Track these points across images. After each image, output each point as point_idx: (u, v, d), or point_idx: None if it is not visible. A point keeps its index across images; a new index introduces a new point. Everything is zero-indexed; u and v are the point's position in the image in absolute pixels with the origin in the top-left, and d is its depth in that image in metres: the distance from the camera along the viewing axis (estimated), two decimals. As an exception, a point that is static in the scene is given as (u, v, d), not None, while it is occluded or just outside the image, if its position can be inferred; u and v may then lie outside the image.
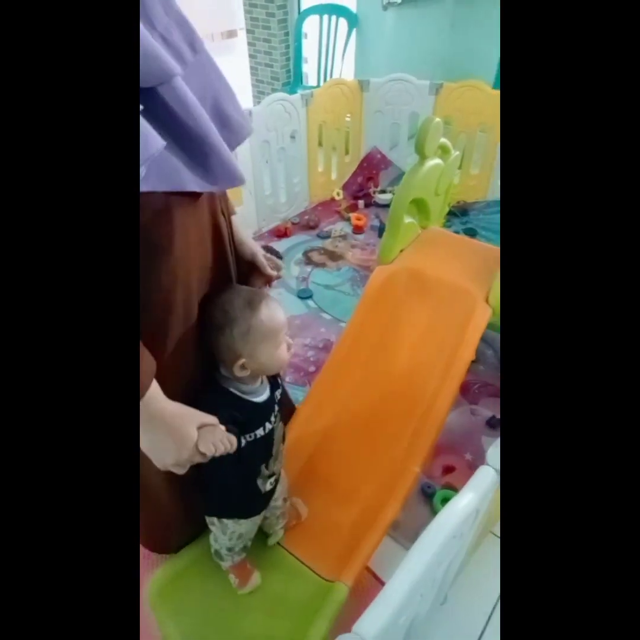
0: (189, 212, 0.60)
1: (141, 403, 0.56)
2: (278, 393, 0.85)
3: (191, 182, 0.55)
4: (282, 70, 3.32)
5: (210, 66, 0.60)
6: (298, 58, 3.20)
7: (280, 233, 2.34)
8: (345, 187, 2.68)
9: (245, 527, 0.94)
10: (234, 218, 0.80)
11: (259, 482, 0.87)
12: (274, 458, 0.88)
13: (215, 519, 0.91)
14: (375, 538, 1.01)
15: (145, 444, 0.61)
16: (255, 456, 0.83)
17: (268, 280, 0.88)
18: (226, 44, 5.03)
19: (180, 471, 0.66)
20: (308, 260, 2.18)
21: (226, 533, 0.92)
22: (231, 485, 0.85)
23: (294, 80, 3.28)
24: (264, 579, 1.02)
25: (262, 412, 0.81)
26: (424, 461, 1.13)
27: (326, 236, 2.34)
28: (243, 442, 0.77)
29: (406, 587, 0.56)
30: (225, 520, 0.91)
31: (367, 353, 1.28)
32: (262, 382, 0.81)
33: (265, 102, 2.11)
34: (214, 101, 0.60)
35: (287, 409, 1.16)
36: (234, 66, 3.52)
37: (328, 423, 1.24)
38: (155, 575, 1.02)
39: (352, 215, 2.44)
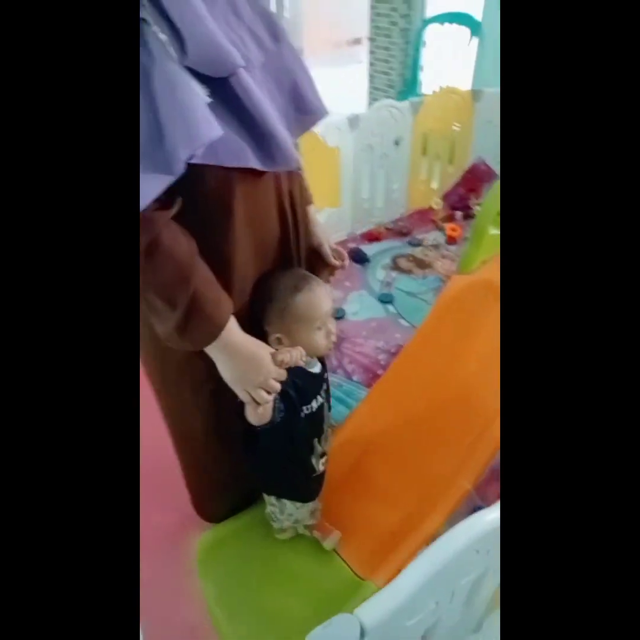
0: (251, 188, 0.66)
1: (220, 335, 0.65)
2: (326, 374, 0.90)
3: (252, 160, 0.61)
4: (399, 78, 3.34)
5: (290, 54, 0.68)
6: (415, 66, 3.21)
7: (372, 237, 2.36)
8: (445, 197, 2.63)
9: (302, 512, 0.98)
10: (310, 208, 0.85)
11: (313, 460, 0.90)
12: (325, 436, 0.92)
13: (274, 499, 0.96)
14: (414, 545, 1.00)
15: (227, 374, 0.70)
16: (310, 430, 0.87)
17: (332, 270, 0.91)
18: (350, 51, 5.16)
19: (264, 398, 0.71)
20: (395, 266, 2.17)
21: (284, 513, 0.97)
22: (288, 461, 0.89)
23: (408, 88, 3.29)
24: (298, 563, 1.06)
25: (316, 382, 0.86)
26: (477, 480, 1.08)
27: (417, 244, 2.32)
28: (302, 414, 0.82)
29: (414, 583, 0.55)
30: (284, 501, 0.96)
31: (433, 361, 1.26)
32: (313, 356, 0.85)
33: (374, 108, 2.15)
34: (292, 85, 0.67)
35: None
36: (355, 73, 3.62)
37: (382, 426, 1.24)
38: (202, 536, 1.10)
39: (448, 225, 2.39)
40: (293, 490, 0.95)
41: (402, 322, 1.85)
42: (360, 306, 1.94)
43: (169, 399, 0.88)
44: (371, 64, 3.48)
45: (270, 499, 0.98)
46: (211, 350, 0.68)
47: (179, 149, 0.52)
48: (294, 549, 1.08)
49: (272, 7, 3.34)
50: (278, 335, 0.78)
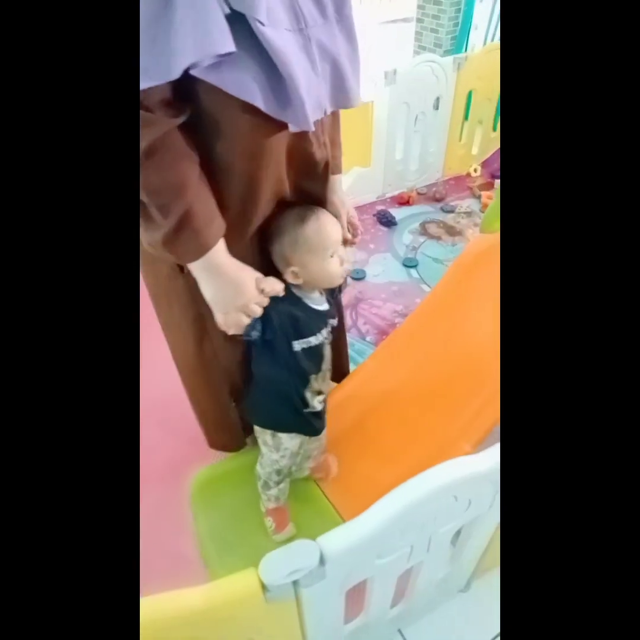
0: (261, 129, 0.63)
1: (205, 256, 0.65)
2: (334, 311, 0.90)
3: (258, 98, 0.57)
4: (447, 36, 3.16)
5: (346, 33, 0.66)
6: (466, 23, 3.02)
7: (403, 200, 2.29)
8: (484, 164, 2.50)
9: (297, 443, 0.96)
10: (336, 178, 0.85)
11: (308, 395, 0.90)
12: (322, 374, 0.92)
13: (268, 436, 0.95)
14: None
15: (208, 294, 0.71)
16: (306, 365, 0.87)
17: (345, 242, 0.89)
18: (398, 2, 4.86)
19: (243, 320, 0.73)
20: (423, 231, 2.10)
21: (280, 449, 0.95)
22: (283, 392, 0.89)
23: (456, 48, 3.11)
24: (295, 512, 1.06)
25: (317, 318, 0.85)
26: (478, 444, 1.05)
27: (450, 210, 2.23)
28: (297, 347, 0.83)
29: (380, 517, 0.54)
30: (279, 435, 0.94)
31: (445, 322, 1.21)
32: (321, 294, 0.87)
33: (413, 62, 2.04)
34: (335, 63, 0.65)
35: (340, 364, 1.16)
36: (403, 29, 3.45)
37: (389, 385, 1.22)
38: (199, 471, 1.13)
39: (484, 193, 2.28)
40: (287, 422, 0.94)
41: (425, 287, 1.79)
42: (383, 269, 1.89)
43: (162, 315, 0.89)
44: (419, 20, 3.29)
45: (265, 437, 0.97)
46: (195, 269, 0.68)
47: (184, 50, 0.50)
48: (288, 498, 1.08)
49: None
50: (293, 268, 0.78)
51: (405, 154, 2.29)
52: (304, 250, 0.76)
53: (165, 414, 1.25)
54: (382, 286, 1.80)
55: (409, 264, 1.91)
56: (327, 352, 0.92)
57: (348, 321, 1.64)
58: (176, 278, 0.76)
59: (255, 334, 0.78)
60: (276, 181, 0.72)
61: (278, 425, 0.95)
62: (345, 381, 1.21)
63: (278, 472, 0.99)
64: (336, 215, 0.85)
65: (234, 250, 0.70)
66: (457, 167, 2.49)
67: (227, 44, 0.51)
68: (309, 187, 0.80)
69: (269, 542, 1.03)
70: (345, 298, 1.74)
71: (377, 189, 2.31)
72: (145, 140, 0.54)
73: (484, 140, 2.52)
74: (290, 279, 0.79)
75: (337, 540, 0.54)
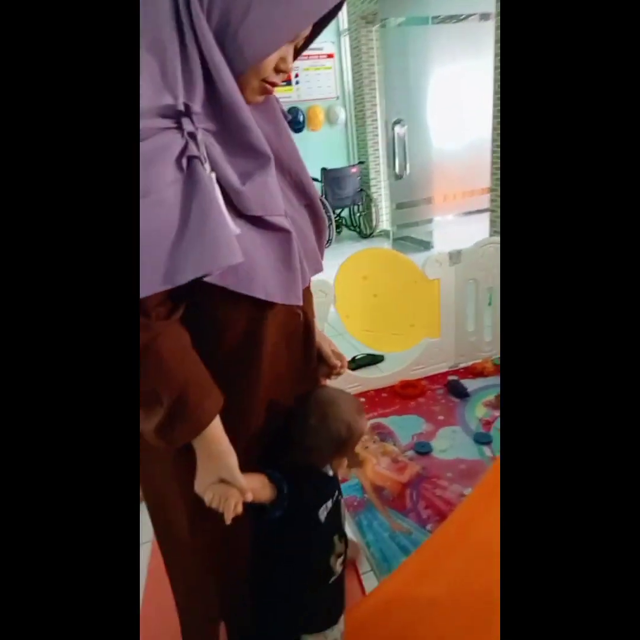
0: (282, 317, 0.69)
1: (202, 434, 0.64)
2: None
3: (268, 292, 0.63)
4: (520, 222, 3.38)
5: (311, 212, 0.74)
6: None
7: (476, 372, 2.19)
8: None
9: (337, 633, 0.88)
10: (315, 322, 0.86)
11: (332, 560, 0.85)
12: (342, 533, 0.89)
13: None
14: None
15: (199, 465, 0.67)
16: (329, 529, 0.84)
17: (331, 370, 0.90)
18: (478, 199, 5.37)
19: (230, 492, 0.67)
20: (498, 404, 1.95)
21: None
22: (306, 569, 0.84)
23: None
24: None
25: (331, 483, 0.85)
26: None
27: (530, 383, 2.07)
28: (323, 514, 0.81)
29: None
30: (327, 632, 0.86)
31: (486, 521, 1.02)
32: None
33: (476, 243, 2.16)
34: (309, 240, 0.73)
35: None
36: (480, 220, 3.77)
37: (434, 594, 1.00)
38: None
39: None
40: (314, 608, 0.86)
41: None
42: (451, 443, 1.74)
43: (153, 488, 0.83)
44: (492, 211, 3.60)
45: None
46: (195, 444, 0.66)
47: (189, 261, 0.54)
48: None
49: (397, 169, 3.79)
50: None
51: (476, 326, 2.28)
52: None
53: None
54: (449, 463, 1.63)
55: (482, 439, 1.73)
56: (343, 510, 0.90)
57: (407, 503, 1.46)
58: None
59: (278, 513, 0.74)
60: (274, 358, 0.72)
61: (304, 621, 0.86)
62: (385, 582, 1.03)
63: None
64: (319, 345, 0.86)
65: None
66: (537, 338, 2.40)
67: (234, 254, 0.56)
68: (306, 340, 0.80)
69: None
70: (407, 475, 1.59)
71: (450, 359, 2.27)
72: (141, 342, 0.55)
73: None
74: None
75: None
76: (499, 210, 3.50)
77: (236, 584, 0.86)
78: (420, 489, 1.52)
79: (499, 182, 3.45)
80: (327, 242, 4.14)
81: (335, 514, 0.85)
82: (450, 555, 1.07)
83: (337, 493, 0.86)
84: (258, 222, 0.62)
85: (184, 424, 0.62)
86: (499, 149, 3.40)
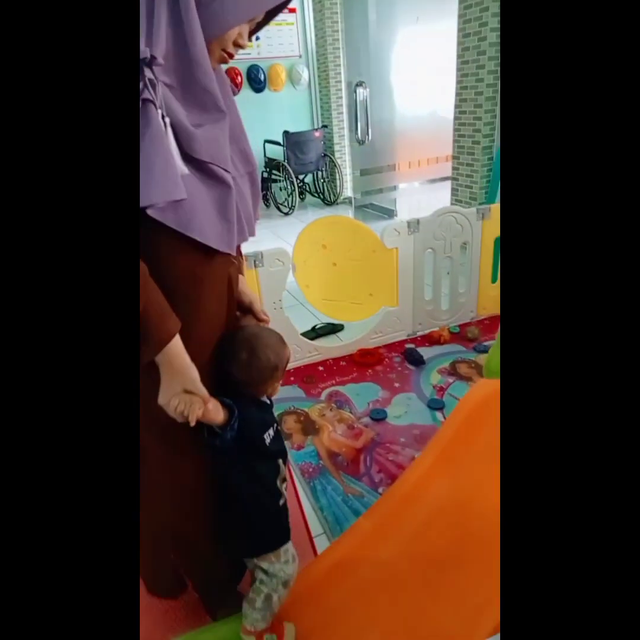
0: (218, 264, 0.76)
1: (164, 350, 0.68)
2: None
3: (210, 238, 0.69)
4: (481, 191, 3.39)
5: (251, 180, 0.80)
6: (495, 179, 3.25)
7: (434, 340, 2.24)
8: (521, 304, 2.45)
9: (292, 567, 0.92)
10: (243, 278, 0.94)
11: (278, 482, 0.91)
12: (285, 457, 0.94)
13: (261, 573, 0.90)
14: None
15: (164, 383, 0.71)
16: (274, 452, 0.89)
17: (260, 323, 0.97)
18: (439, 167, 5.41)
19: (194, 401, 0.72)
20: (453, 371, 2.01)
21: (276, 576, 0.90)
22: (264, 492, 0.88)
23: (489, 200, 3.31)
24: None
25: (270, 410, 0.91)
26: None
27: (483, 350, 2.14)
28: (268, 439, 0.86)
29: None
30: (271, 561, 0.90)
31: (449, 478, 1.07)
32: None
33: (435, 213, 2.17)
34: (245, 201, 0.78)
35: None
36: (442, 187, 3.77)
37: (386, 554, 1.04)
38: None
39: (520, 333, 2.19)
40: (269, 529, 0.91)
41: (449, 432, 1.64)
42: (406, 410, 1.79)
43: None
44: (454, 179, 3.60)
45: (257, 572, 0.91)
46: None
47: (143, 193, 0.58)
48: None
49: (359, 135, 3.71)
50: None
51: (434, 295, 2.31)
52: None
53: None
54: (402, 429, 1.68)
55: (435, 405, 1.79)
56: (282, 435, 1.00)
57: (361, 467, 1.50)
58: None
59: (230, 434, 0.78)
60: (211, 299, 0.77)
61: (261, 541, 0.91)
62: (336, 543, 1.06)
63: (285, 583, 0.92)
64: (251, 302, 0.93)
65: None
66: (492, 307, 2.46)
67: (181, 191, 0.61)
68: (231, 293, 0.86)
69: None
70: (361, 441, 1.63)
71: (407, 327, 2.30)
72: None
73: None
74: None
75: None
76: (460, 178, 3.51)
77: (195, 513, 0.91)
78: (374, 454, 1.56)
79: (461, 150, 3.44)
80: (290, 209, 4.09)
81: (278, 440, 0.90)
82: (402, 515, 1.10)
83: (275, 422, 0.92)
84: (204, 169, 0.67)
85: (149, 341, 0.66)
86: (461, 116, 3.38)
